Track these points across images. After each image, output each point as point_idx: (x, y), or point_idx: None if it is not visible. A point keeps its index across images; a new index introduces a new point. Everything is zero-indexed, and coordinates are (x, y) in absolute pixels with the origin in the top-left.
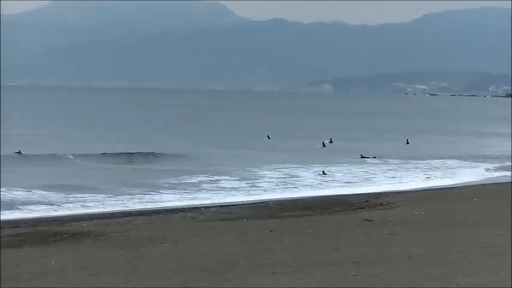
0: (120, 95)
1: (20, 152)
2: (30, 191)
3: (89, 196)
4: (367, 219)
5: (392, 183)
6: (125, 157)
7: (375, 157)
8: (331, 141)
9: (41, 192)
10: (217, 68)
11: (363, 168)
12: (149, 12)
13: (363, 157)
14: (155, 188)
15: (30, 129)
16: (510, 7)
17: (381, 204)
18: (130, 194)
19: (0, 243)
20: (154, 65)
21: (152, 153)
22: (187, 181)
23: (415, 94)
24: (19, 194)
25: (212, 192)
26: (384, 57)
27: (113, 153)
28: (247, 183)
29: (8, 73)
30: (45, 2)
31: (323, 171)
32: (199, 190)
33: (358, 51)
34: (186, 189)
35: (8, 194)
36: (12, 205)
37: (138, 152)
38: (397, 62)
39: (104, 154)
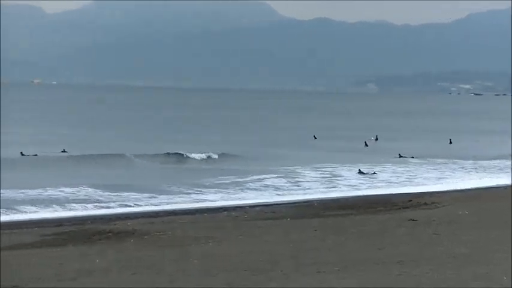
0: (159, 94)
1: (64, 151)
2: (76, 190)
3: (135, 195)
4: (411, 219)
5: (436, 183)
6: (175, 157)
7: (413, 157)
8: (376, 139)
9: (88, 190)
10: (259, 67)
11: (406, 167)
12: (189, 12)
13: (401, 156)
14: (200, 187)
15: (85, 129)
16: None
17: (425, 203)
18: (176, 193)
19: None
20: (194, 64)
21: (204, 153)
22: (233, 180)
23: (459, 94)
24: (64, 192)
25: (257, 191)
26: (427, 57)
27: (166, 153)
28: (292, 182)
29: (51, 72)
30: (85, 2)
31: (359, 170)
32: (244, 189)
33: (403, 50)
34: (231, 189)
35: (54, 192)
36: (55, 203)
37: (179, 153)
38: (441, 62)
39: (156, 155)
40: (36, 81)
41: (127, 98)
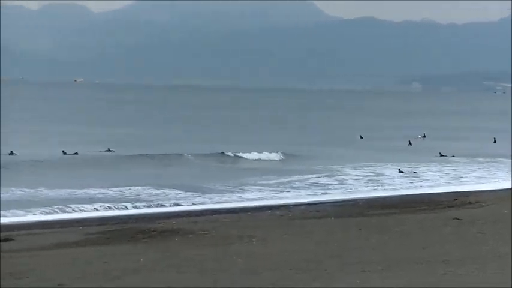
0: (200, 93)
1: (109, 150)
2: (122, 189)
3: (180, 193)
4: (455, 218)
5: (480, 182)
6: (226, 157)
7: (453, 156)
8: (424, 136)
9: (133, 189)
10: (306, 65)
11: (449, 166)
12: (235, 11)
13: (442, 155)
14: (244, 186)
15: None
16: None
17: (470, 202)
18: (221, 192)
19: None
20: (239, 64)
21: (254, 152)
22: (278, 180)
23: (504, 92)
24: (109, 191)
25: (301, 190)
26: (473, 56)
27: (221, 153)
28: (337, 181)
29: (95, 71)
30: (127, 2)
31: (399, 169)
32: (289, 188)
33: (448, 49)
34: (275, 187)
35: (98, 192)
36: (100, 202)
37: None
38: (486, 60)
39: (209, 154)
40: (78, 80)
41: (179, 97)
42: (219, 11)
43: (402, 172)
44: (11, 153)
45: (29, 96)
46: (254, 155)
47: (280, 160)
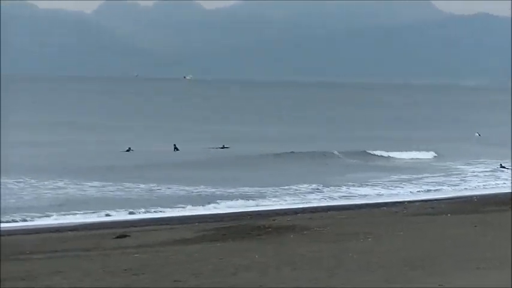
0: (316, 89)
1: (224, 147)
2: (235, 186)
3: (293, 190)
4: None
5: None
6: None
7: None
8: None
9: (246, 188)
10: (424, 60)
11: None
12: (341, 11)
13: None
14: (360, 183)
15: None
16: None
17: None
18: (336, 189)
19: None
20: (353, 60)
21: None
22: (392, 177)
23: None
24: (222, 189)
25: (416, 186)
26: None
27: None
28: (452, 178)
29: (204, 68)
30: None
31: (501, 165)
32: (403, 185)
33: None
34: (389, 185)
35: (211, 190)
36: (216, 199)
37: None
38: None
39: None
40: (188, 77)
41: (297, 93)
42: (328, 12)
43: (505, 168)
44: (129, 149)
45: (144, 93)
46: (407, 154)
47: (433, 158)
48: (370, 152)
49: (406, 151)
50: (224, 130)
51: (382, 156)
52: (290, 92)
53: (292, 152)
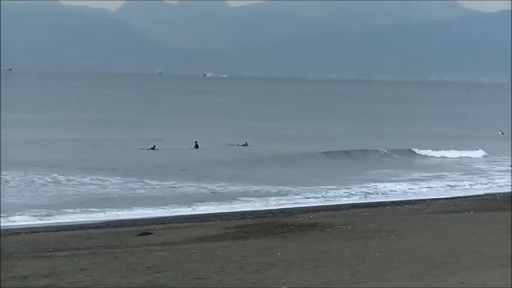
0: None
1: (246, 144)
2: (257, 185)
3: (316, 188)
4: None
5: None
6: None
7: None
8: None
9: (270, 186)
10: (451, 57)
11: None
12: (376, 8)
13: None
14: (381, 180)
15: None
16: None
17: None
18: (356, 186)
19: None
20: (384, 57)
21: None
22: (414, 175)
23: None
24: (247, 186)
25: (438, 183)
26: None
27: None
28: (474, 175)
29: (239, 65)
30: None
31: None
32: (426, 182)
33: None
34: (413, 182)
35: (238, 188)
36: (239, 197)
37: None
38: None
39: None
40: (208, 74)
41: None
42: (353, 10)
43: None
44: (153, 147)
45: (171, 91)
46: (456, 153)
47: (483, 157)
48: (415, 150)
49: (454, 149)
50: (246, 127)
51: (429, 156)
52: (319, 89)
53: (344, 151)
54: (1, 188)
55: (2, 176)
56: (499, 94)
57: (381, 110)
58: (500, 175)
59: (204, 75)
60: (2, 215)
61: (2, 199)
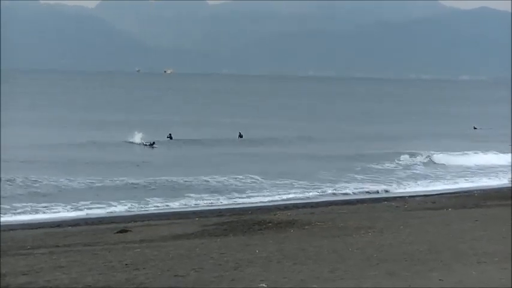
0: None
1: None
2: (240, 178)
3: (296, 183)
4: None
5: None
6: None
7: None
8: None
9: (251, 179)
10: (444, 55)
11: None
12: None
13: None
14: (362, 176)
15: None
16: None
17: None
18: (336, 183)
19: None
20: (369, 55)
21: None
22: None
23: None
24: (226, 181)
25: (416, 181)
26: None
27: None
28: (454, 172)
29: (217, 63)
30: None
31: None
32: (403, 179)
33: None
34: (391, 179)
35: (218, 181)
36: (217, 192)
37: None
38: None
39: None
40: (168, 71)
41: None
42: (334, 8)
43: None
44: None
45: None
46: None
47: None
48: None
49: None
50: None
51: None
52: (315, 87)
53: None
54: None
55: None
56: (475, 91)
57: (334, 108)
58: (473, 171)
59: (165, 72)
60: None
61: None
